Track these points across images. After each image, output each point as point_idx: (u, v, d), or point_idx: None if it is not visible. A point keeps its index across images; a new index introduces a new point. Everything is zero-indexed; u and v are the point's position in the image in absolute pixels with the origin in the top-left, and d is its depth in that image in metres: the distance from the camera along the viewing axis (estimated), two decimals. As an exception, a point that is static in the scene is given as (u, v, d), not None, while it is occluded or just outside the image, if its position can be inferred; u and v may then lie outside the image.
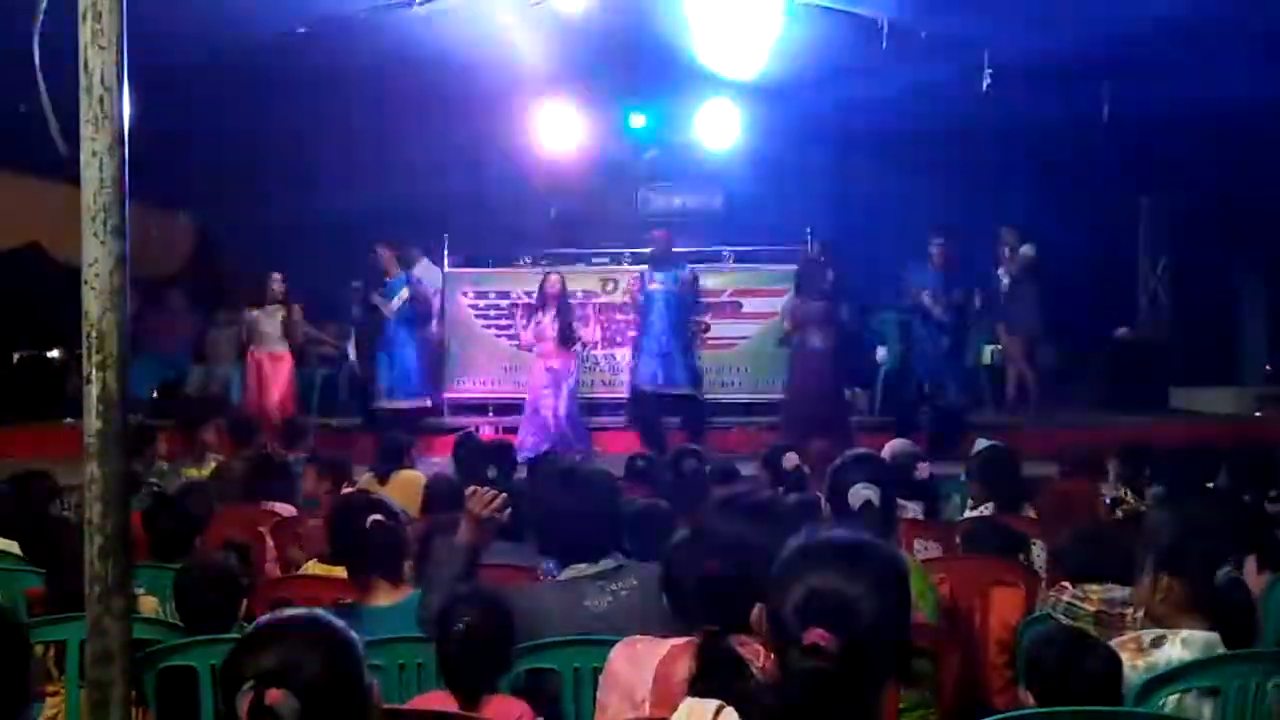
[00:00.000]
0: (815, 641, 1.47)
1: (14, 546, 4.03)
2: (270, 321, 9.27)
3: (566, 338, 8.66)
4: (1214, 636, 2.33)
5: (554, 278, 8.80)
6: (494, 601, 2.52)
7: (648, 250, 9.31)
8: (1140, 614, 2.58)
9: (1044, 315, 9.49)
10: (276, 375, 9.26)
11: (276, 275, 9.25)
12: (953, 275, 9.43)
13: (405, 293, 9.13)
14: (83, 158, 1.95)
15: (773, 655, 1.58)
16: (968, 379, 10.14)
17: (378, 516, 2.92)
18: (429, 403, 9.55)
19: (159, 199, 10.41)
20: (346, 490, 4.81)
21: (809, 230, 10.02)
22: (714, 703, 1.60)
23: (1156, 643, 2.38)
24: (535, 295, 8.88)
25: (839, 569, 1.57)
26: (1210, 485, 4.44)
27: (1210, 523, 2.52)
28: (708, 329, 9.78)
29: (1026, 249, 9.47)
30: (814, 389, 8.36)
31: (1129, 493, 4.42)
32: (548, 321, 8.67)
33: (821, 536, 1.66)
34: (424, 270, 10.11)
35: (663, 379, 8.72)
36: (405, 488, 4.99)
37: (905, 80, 8.13)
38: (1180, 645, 2.35)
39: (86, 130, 1.95)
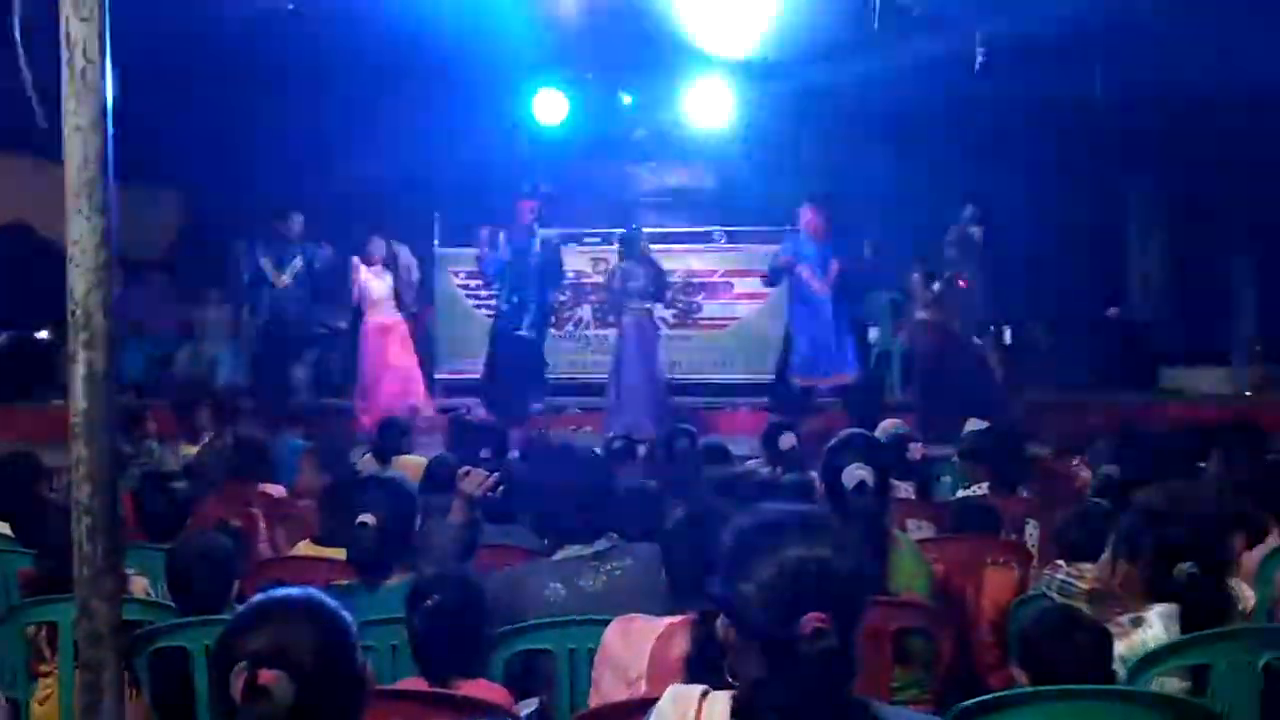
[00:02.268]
0: (816, 627, 1.46)
1: (4, 528, 4.01)
2: (380, 285, 8.71)
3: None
4: (1173, 607, 2.38)
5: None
6: (464, 583, 2.49)
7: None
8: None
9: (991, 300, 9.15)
10: (389, 347, 8.78)
11: (377, 238, 8.79)
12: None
13: (299, 263, 8.61)
14: (65, 132, 1.92)
15: (742, 641, 1.54)
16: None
17: (365, 518, 2.89)
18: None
19: (145, 177, 10.33)
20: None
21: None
22: (699, 688, 1.59)
23: (1135, 623, 2.40)
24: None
25: (808, 543, 1.54)
26: (1201, 465, 4.45)
27: (1171, 509, 2.53)
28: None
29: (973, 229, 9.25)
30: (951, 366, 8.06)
31: (1097, 473, 4.42)
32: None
33: (766, 517, 1.62)
34: (406, 256, 10.04)
35: None
36: (405, 472, 4.97)
37: (897, 59, 8.10)
38: (1159, 623, 2.37)
39: (69, 105, 1.92)
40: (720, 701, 1.55)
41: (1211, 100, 8.71)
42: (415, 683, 2.39)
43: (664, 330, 10.07)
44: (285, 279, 8.54)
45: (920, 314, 8.36)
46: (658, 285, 8.78)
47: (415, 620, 2.41)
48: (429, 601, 2.38)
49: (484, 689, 2.36)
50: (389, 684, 2.42)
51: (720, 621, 1.56)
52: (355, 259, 8.79)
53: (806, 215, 8.51)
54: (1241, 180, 9.96)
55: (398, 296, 8.91)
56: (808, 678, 1.47)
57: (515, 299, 8.66)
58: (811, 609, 1.48)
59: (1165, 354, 10.90)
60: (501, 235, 8.79)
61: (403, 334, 8.96)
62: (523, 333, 8.63)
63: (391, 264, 8.96)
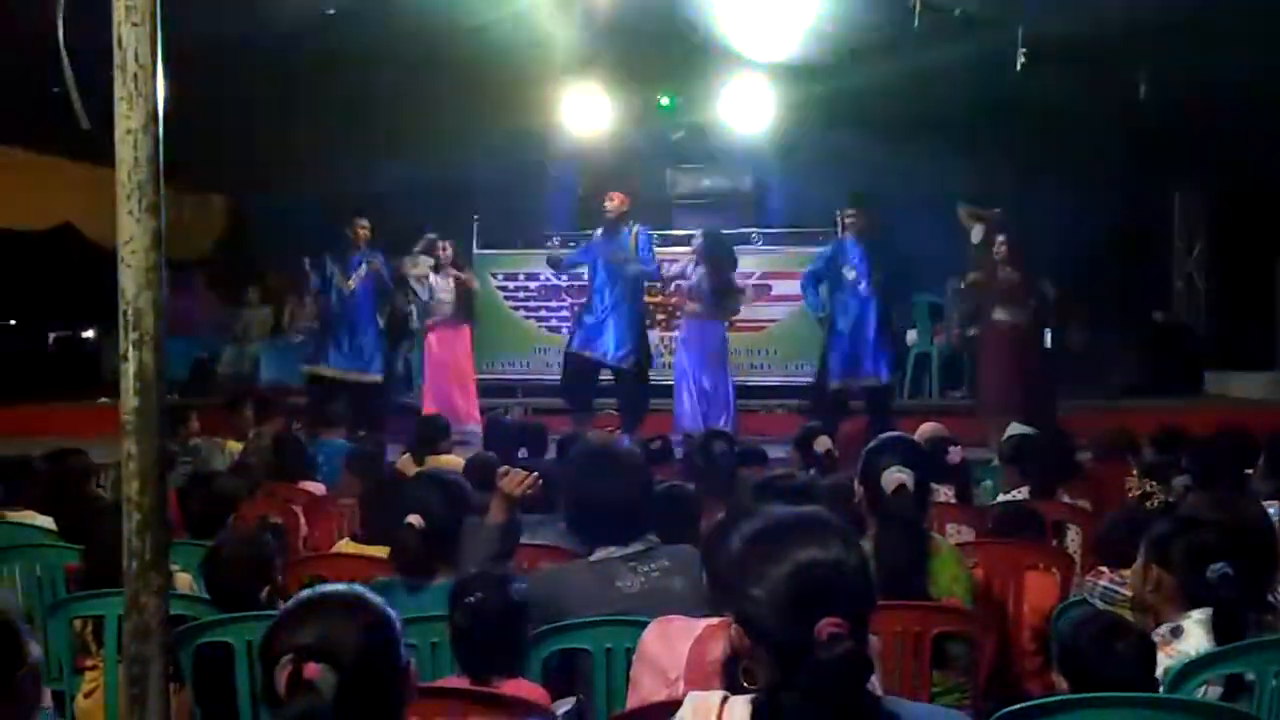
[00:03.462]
0: (832, 632, 1.46)
1: (50, 523, 4.09)
2: (446, 287, 8.82)
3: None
4: (1208, 610, 2.36)
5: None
6: (504, 583, 2.50)
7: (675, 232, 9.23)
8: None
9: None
10: (454, 351, 8.89)
11: (432, 235, 8.85)
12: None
13: (363, 270, 8.62)
14: (117, 135, 1.95)
15: (756, 647, 1.53)
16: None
17: (412, 519, 2.91)
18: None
19: (190, 180, 10.48)
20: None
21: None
22: (719, 694, 1.58)
23: (1175, 633, 2.37)
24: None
25: (815, 546, 1.53)
26: (1248, 472, 4.38)
27: (1206, 514, 2.50)
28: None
29: (976, 231, 9.07)
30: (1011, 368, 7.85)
31: (1153, 485, 4.36)
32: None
33: (771, 521, 1.61)
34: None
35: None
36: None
37: (937, 59, 8.03)
38: (1198, 631, 2.35)
39: (121, 108, 1.95)
40: (739, 706, 1.55)
41: (1257, 102, 8.57)
42: (457, 680, 2.41)
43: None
44: (352, 284, 8.62)
45: (998, 314, 8.15)
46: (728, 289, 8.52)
47: (457, 619, 2.43)
48: (470, 600, 2.40)
49: (523, 688, 2.37)
50: (426, 681, 2.45)
51: (733, 628, 1.56)
52: (421, 261, 8.89)
53: (850, 216, 8.39)
54: (1289, 182, 9.78)
55: (463, 301, 8.94)
56: (825, 681, 1.47)
57: (601, 313, 8.21)
58: (823, 612, 1.48)
59: (1210, 358, 10.74)
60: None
61: (465, 340, 9.03)
62: (617, 365, 8.14)
63: (460, 268, 9.03)
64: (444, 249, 8.90)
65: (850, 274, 8.17)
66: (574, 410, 8.13)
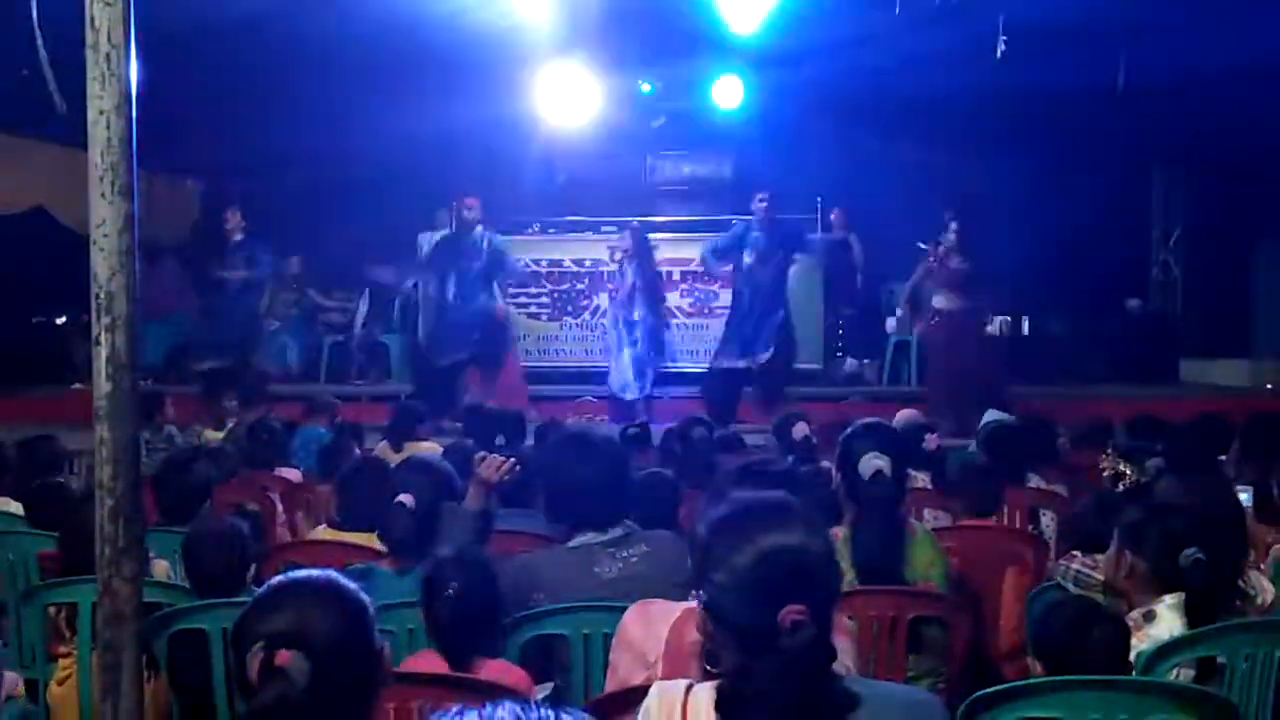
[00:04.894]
0: (795, 619, 1.47)
1: (20, 509, 4.05)
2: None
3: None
4: (1180, 595, 2.39)
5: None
6: (482, 566, 2.51)
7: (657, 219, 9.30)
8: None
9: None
10: None
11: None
12: None
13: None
14: (90, 117, 1.92)
15: (720, 632, 1.54)
16: None
17: (404, 499, 2.90)
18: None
19: (166, 164, 10.37)
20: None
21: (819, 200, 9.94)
22: (684, 682, 1.59)
23: (1148, 618, 2.40)
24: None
25: (778, 532, 1.54)
26: (1222, 458, 4.42)
27: (1182, 501, 2.53)
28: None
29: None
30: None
31: (1126, 465, 4.41)
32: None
33: (736, 507, 1.61)
34: (427, 239, 10.07)
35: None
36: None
37: (918, 46, 8.04)
38: (1169, 615, 2.37)
39: (93, 89, 1.93)
40: (704, 693, 1.55)
41: (1235, 91, 8.62)
42: (435, 662, 2.41)
43: (679, 319, 10.09)
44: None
45: (937, 301, 8.25)
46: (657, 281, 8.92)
47: (434, 603, 2.42)
48: (451, 588, 2.40)
49: (503, 670, 2.38)
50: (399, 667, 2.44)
51: (698, 613, 1.55)
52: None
53: (762, 200, 8.52)
54: (1263, 171, 9.86)
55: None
56: (788, 666, 1.47)
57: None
58: (786, 598, 1.48)
59: (1187, 346, 10.83)
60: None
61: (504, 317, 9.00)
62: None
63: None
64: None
65: (749, 259, 8.38)
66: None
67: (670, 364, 9.20)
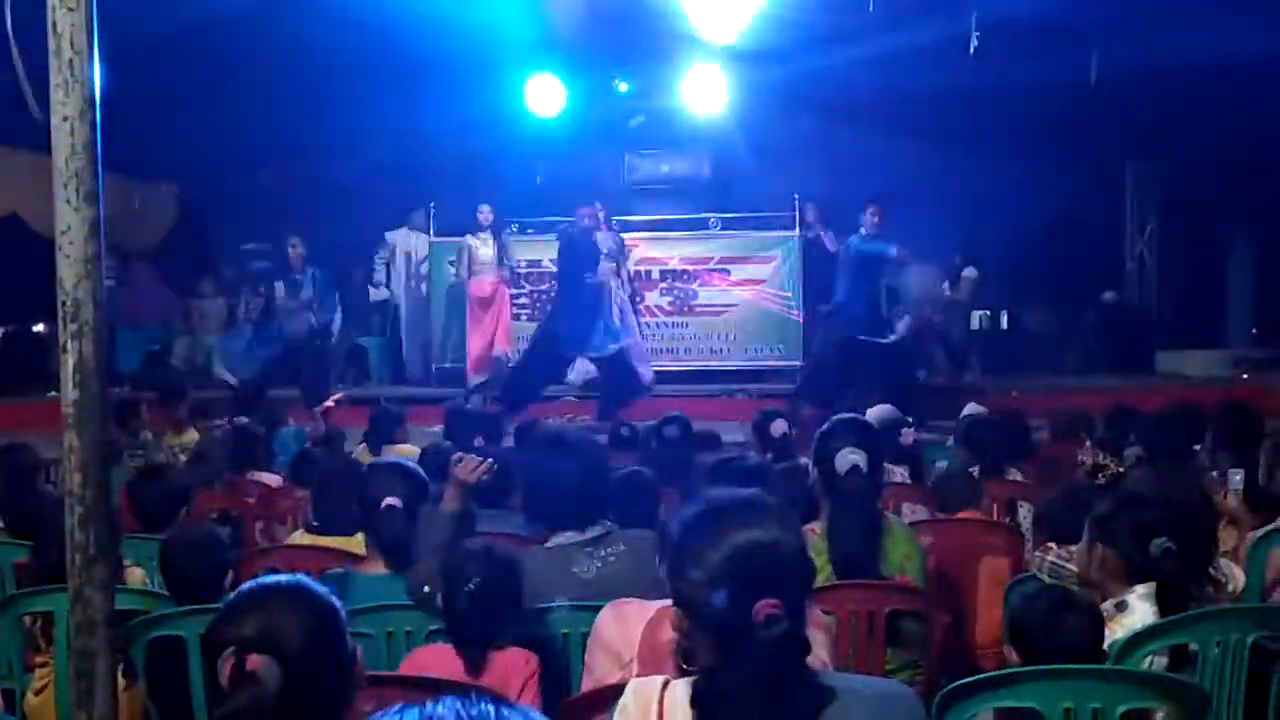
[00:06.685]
0: (769, 614, 1.47)
1: (-2, 520, 4.02)
2: (485, 249, 9.47)
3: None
4: (1151, 585, 2.41)
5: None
6: (503, 558, 2.51)
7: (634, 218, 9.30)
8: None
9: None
10: (496, 306, 9.51)
11: (484, 206, 9.45)
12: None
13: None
14: (53, 122, 1.91)
15: (695, 629, 1.55)
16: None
17: (392, 501, 2.89)
18: None
19: (140, 169, 10.30)
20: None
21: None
22: (659, 679, 1.59)
23: (1120, 608, 2.42)
24: None
25: (751, 528, 1.54)
26: (1196, 448, 4.47)
27: (1151, 492, 2.55)
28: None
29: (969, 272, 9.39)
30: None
31: (1106, 456, 4.45)
32: None
33: (708, 504, 1.62)
34: (402, 238, 10.05)
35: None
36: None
37: (893, 43, 8.08)
38: (1142, 606, 2.39)
39: (56, 95, 1.91)
40: (680, 689, 1.56)
41: (1208, 84, 8.70)
42: (447, 654, 2.41)
43: (660, 317, 10.09)
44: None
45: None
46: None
47: (457, 596, 2.42)
48: (474, 581, 2.39)
49: (516, 657, 2.40)
50: (382, 669, 2.44)
51: (673, 610, 1.56)
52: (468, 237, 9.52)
53: (600, 210, 8.97)
54: (1237, 164, 9.95)
55: (501, 262, 9.56)
56: (763, 661, 1.48)
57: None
58: (760, 593, 1.49)
59: (1162, 337, 10.92)
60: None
61: (503, 297, 9.65)
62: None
63: (498, 231, 9.56)
64: (484, 213, 9.48)
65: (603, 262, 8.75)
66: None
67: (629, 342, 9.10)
